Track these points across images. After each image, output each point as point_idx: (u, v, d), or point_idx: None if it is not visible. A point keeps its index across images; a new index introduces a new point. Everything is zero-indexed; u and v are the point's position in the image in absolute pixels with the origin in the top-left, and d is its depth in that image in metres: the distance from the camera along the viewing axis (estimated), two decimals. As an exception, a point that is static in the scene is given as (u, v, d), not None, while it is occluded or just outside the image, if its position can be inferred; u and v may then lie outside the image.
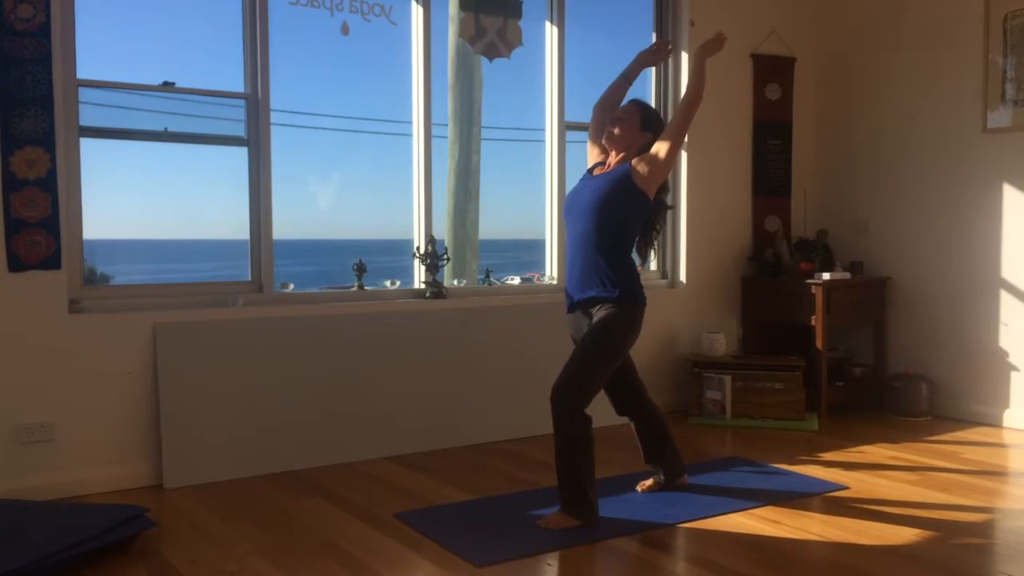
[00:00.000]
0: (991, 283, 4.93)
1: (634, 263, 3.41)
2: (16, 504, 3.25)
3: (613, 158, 3.47)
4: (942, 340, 5.15)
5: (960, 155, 5.04)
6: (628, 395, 3.55)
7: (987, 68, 4.88)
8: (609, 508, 3.37)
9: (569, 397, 3.19)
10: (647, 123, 3.45)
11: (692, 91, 3.37)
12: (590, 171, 3.56)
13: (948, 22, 5.07)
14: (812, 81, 5.78)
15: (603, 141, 3.51)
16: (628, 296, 3.30)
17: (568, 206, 3.48)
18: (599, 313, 3.29)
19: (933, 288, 5.20)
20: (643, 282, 3.41)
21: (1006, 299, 4.87)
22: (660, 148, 3.30)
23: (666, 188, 3.51)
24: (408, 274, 4.66)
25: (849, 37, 5.61)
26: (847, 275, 5.24)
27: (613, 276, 3.30)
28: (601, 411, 3.54)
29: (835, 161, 5.73)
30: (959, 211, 5.06)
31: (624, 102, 3.59)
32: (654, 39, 5.34)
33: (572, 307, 3.42)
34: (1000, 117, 4.85)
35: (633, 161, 3.35)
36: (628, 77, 3.70)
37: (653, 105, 5.35)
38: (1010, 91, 4.79)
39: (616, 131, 3.43)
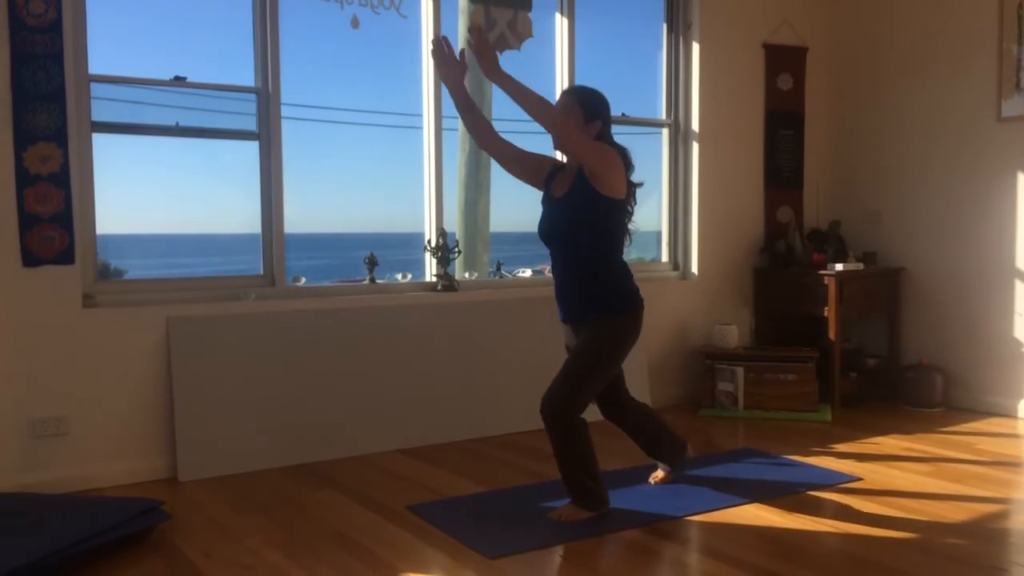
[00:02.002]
0: (1005, 273, 4.90)
1: (624, 266, 3.31)
2: (31, 497, 3.28)
3: (571, 164, 3.28)
4: (956, 331, 5.12)
5: (974, 144, 5.01)
6: (609, 399, 3.44)
7: (1001, 56, 4.84)
8: (621, 500, 3.36)
9: (560, 408, 3.14)
10: (590, 113, 3.20)
11: (534, 111, 3.06)
12: (549, 189, 3.33)
13: (961, 10, 5.02)
14: (824, 71, 5.74)
15: (555, 149, 3.38)
16: (623, 306, 3.24)
17: (544, 233, 3.31)
18: (596, 326, 3.22)
19: (947, 278, 5.17)
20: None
21: (1021, 289, 4.83)
22: (593, 173, 3.11)
23: (630, 166, 3.26)
24: (419, 267, 4.67)
25: (861, 26, 5.57)
26: (860, 266, 5.21)
27: (605, 289, 3.23)
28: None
29: (847, 151, 5.70)
30: (973, 201, 5.03)
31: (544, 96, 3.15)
32: (664, 32, 5.33)
33: (567, 321, 3.34)
34: (1014, 106, 4.80)
35: (589, 177, 3.16)
36: (464, 106, 3.33)
37: (663, 93, 5.35)
38: (1025, 79, 4.76)
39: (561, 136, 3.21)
